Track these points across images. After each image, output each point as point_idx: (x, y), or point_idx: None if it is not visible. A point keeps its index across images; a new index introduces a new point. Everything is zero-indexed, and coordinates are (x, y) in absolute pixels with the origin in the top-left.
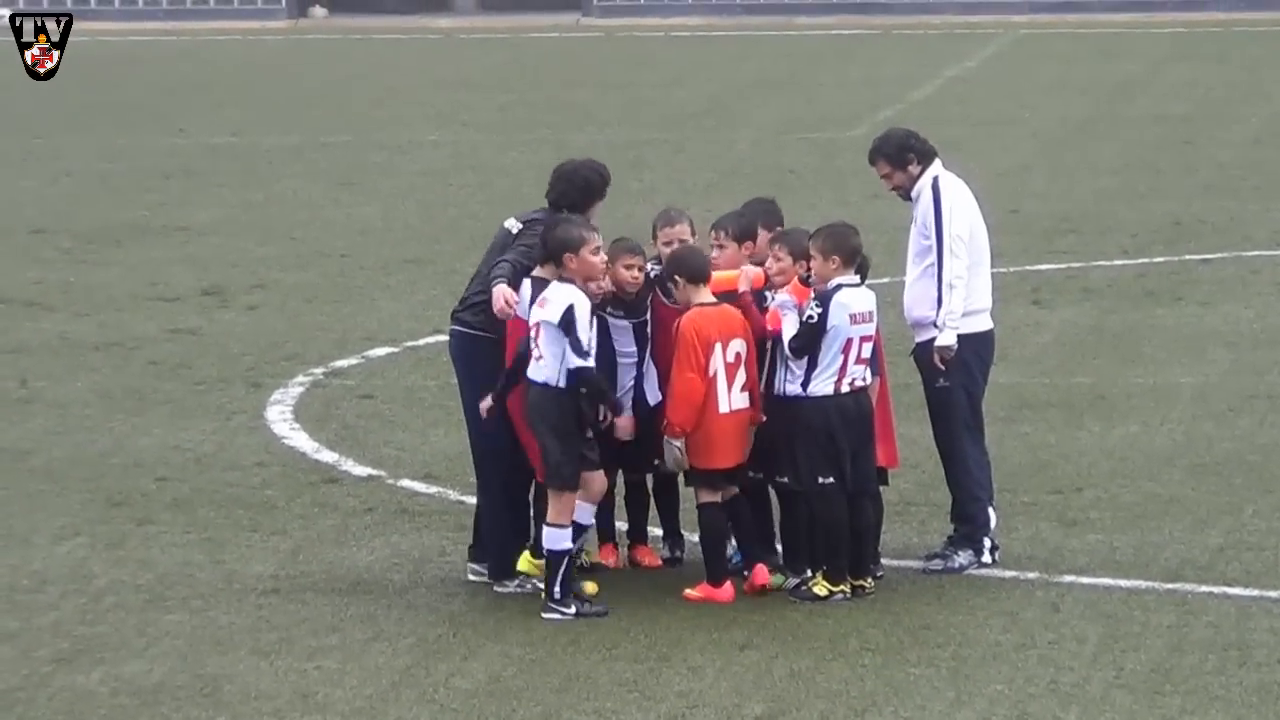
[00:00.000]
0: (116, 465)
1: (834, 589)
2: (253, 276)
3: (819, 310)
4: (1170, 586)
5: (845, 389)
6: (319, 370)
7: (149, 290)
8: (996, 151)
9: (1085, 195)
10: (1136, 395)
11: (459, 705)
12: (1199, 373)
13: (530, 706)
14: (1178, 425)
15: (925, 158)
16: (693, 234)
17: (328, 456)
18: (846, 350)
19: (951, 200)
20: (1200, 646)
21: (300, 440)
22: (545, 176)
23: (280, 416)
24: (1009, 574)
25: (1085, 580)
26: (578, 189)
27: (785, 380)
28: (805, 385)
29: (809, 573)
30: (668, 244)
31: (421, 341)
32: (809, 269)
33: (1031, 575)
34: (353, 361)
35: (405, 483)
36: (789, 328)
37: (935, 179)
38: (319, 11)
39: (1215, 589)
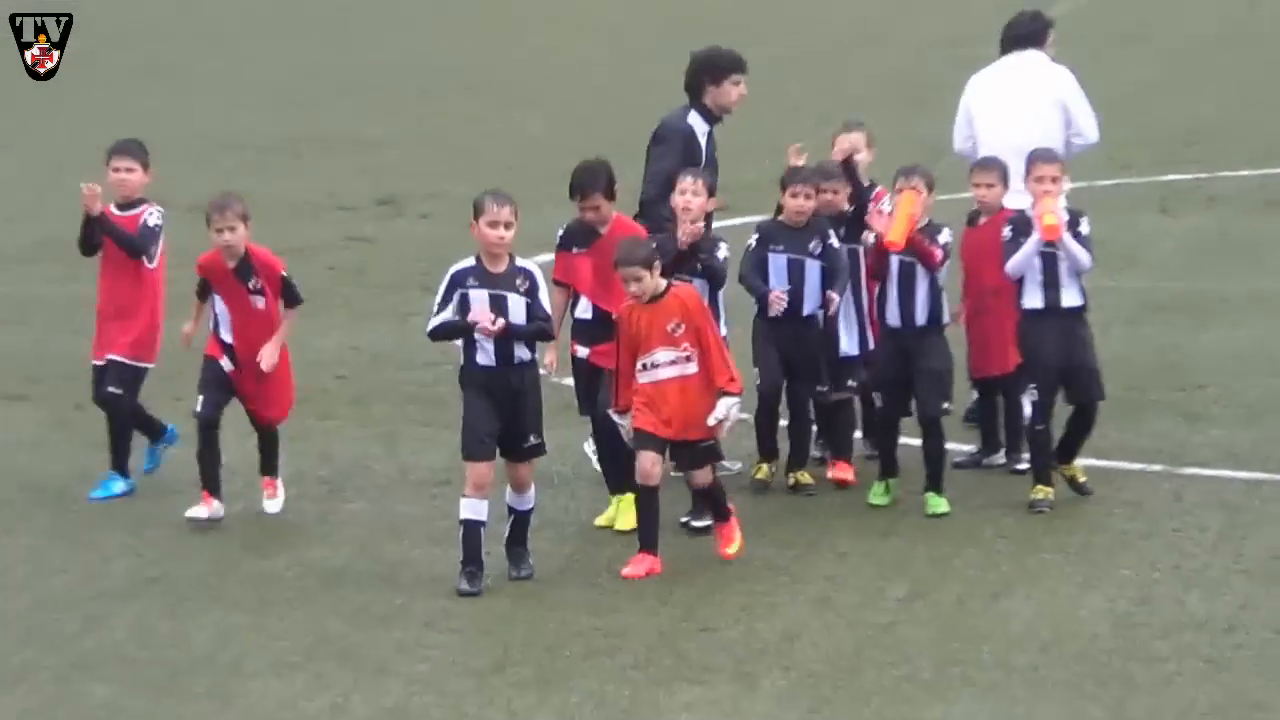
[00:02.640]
0: (298, 364)
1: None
2: (425, 187)
3: None
4: None
5: None
6: None
7: (327, 200)
8: (1127, 64)
9: (1211, 108)
10: (1259, 299)
11: (620, 588)
12: None
13: (686, 590)
14: None
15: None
16: (869, 144)
17: None
18: None
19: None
20: None
21: None
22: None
23: None
24: (1135, 466)
25: (1207, 472)
26: None
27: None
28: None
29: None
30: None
31: None
32: None
33: (1156, 468)
34: None
35: (569, 380)
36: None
37: None
38: None
39: None
